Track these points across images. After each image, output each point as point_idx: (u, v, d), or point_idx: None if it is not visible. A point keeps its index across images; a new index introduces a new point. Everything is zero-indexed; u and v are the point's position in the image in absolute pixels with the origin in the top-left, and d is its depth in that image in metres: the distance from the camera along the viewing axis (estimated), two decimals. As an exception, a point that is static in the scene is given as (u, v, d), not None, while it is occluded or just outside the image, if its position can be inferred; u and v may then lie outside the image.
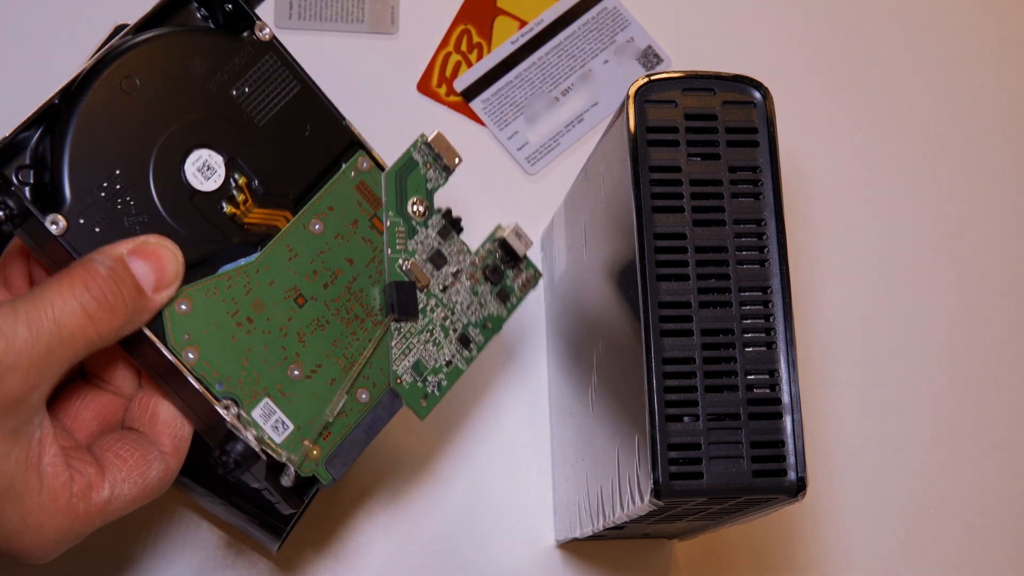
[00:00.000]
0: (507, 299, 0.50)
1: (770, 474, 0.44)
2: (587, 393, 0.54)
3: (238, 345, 0.44)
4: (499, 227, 0.51)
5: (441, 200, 0.65)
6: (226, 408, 0.43)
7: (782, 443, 0.44)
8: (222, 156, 0.45)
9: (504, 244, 0.51)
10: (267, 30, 0.47)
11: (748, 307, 0.45)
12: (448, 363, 0.48)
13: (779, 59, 0.70)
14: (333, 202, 0.47)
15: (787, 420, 0.44)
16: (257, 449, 0.43)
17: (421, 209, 0.49)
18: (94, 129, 0.43)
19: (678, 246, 0.45)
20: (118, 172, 0.44)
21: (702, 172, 0.46)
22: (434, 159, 0.50)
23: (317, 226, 0.47)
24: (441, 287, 0.49)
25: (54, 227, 0.42)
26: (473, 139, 0.66)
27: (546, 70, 0.67)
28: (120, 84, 0.44)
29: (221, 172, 0.45)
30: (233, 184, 0.46)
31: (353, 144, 0.48)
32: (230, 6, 0.47)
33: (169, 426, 0.44)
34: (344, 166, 0.47)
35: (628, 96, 0.46)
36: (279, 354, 0.45)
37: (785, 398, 0.44)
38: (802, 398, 0.44)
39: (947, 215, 0.69)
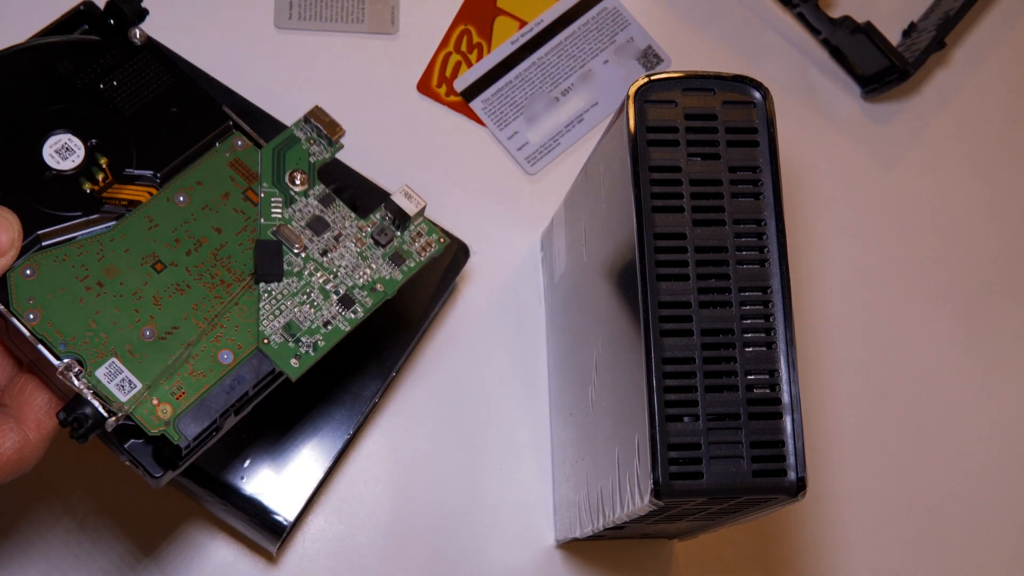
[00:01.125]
0: (403, 262, 0.49)
1: (770, 474, 0.44)
2: (587, 393, 0.54)
3: (86, 307, 0.46)
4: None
5: (441, 199, 0.65)
6: (68, 368, 0.44)
7: (782, 443, 0.44)
8: (83, 140, 0.48)
9: (392, 205, 0.49)
10: (139, 35, 0.51)
11: (748, 307, 0.45)
12: (327, 323, 0.47)
13: (778, 59, 0.70)
14: (202, 177, 0.49)
15: (787, 420, 0.44)
16: (100, 409, 0.44)
17: (301, 180, 0.49)
18: None
19: (678, 246, 0.45)
20: None
21: (702, 172, 0.46)
22: (317, 134, 0.50)
23: (181, 198, 0.48)
24: (321, 251, 0.48)
25: None
26: (473, 139, 0.66)
27: (546, 70, 0.67)
28: None
29: (81, 153, 0.48)
30: (94, 164, 0.48)
31: (230, 128, 0.50)
32: (112, 20, 0.51)
33: (36, 407, 0.45)
34: (217, 145, 0.49)
35: (628, 96, 0.46)
36: (131, 316, 0.46)
37: (785, 398, 0.44)
38: (802, 398, 0.45)
39: (947, 215, 0.69)
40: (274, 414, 0.58)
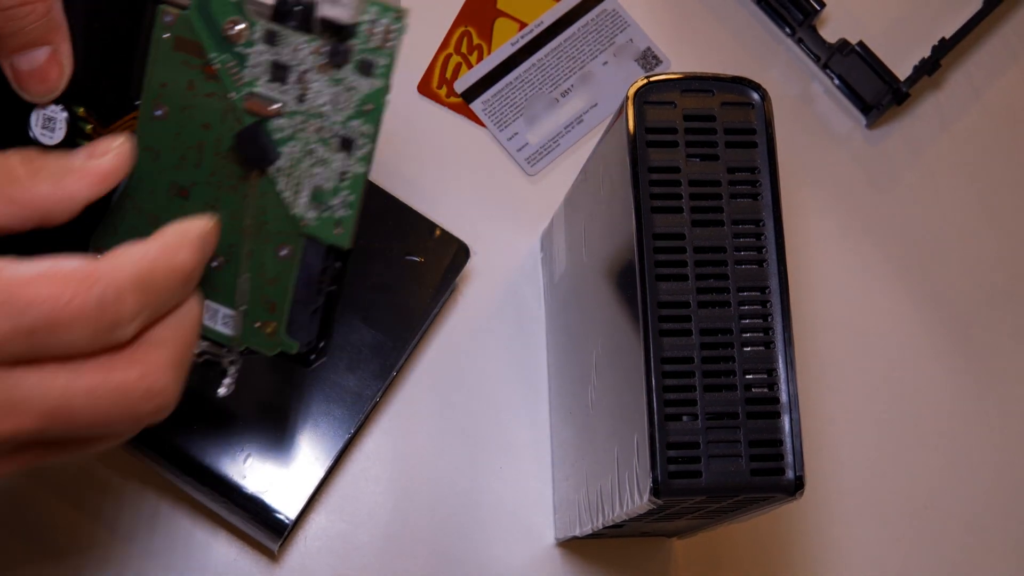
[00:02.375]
0: (372, 68, 0.42)
1: (768, 473, 0.44)
2: (587, 392, 0.54)
3: None
4: None
5: (441, 200, 0.65)
6: None
7: (780, 442, 0.44)
8: (55, 105, 0.45)
9: (326, 23, 0.42)
10: None
11: (747, 307, 0.45)
12: (343, 175, 0.43)
13: (778, 61, 0.70)
14: (162, 76, 0.44)
15: (785, 419, 0.44)
16: (228, 353, 0.43)
17: (239, 29, 0.43)
18: None
19: (677, 246, 0.46)
20: None
21: (701, 173, 0.46)
22: None
23: (159, 112, 0.44)
24: (298, 97, 0.43)
25: None
26: (473, 140, 0.67)
27: (546, 71, 0.68)
28: None
29: (61, 117, 0.45)
30: (77, 120, 0.45)
31: (153, 3, 0.45)
32: None
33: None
34: (153, 35, 0.44)
35: (627, 97, 0.47)
36: None
37: (783, 397, 0.45)
38: (800, 397, 0.45)
39: (945, 215, 0.69)
40: (275, 413, 0.58)
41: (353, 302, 0.59)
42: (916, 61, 0.67)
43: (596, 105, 0.68)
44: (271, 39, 0.43)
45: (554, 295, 0.62)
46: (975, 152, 0.70)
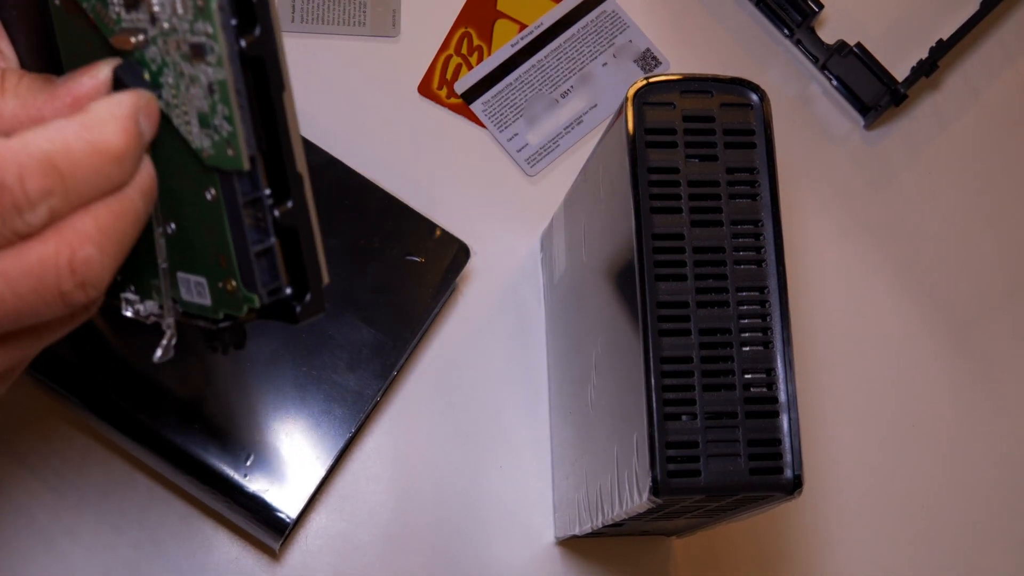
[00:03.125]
0: None
1: (767, 472, 0.44)
2: (586, 392, 0.54)
3: (139, 246, 0.40)
4: None
5: (442, 200, 0.65)
6: (177, 311, 0.40)
7: (778, 441, 0.44)
8: None
9: None
10: None
11: (745, 307, 0.45)
12: (210, 88, 0.38)
13: (777, 63, 0.70)
14: (69, 47, 0.41)
15: (783, 418, 0.44)
16: (209, 327, 0.39)
17: None
18: None
19: (676, 246, 0.46)
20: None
21: (700, 173, 0.46)
22: None
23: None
24: (150, 18, 0.38)
25: None
26: (474, 141, 0.67)
27: (546, 72, 0.68)
28: None
29: None
30: None
31: None
32: None
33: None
34: (49, 7, 0.40)
35: (627, 98, 0.47)
36: (156, 222, 0.40)
37: (782, 397, 0.45)
38: (798, 397, 0.45)
39: (944, 215, 0.69)
40: (276, 413, 0.58)
41: (353, 302, 0.60)
42: (914, 62, 0.67)
43: (596, 106, 0.68)
44: None
45: (554, 295, 0.63)
46: (973, 153, 0.71)
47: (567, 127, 0.67)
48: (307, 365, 0.58)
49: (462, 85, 0.67)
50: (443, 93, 0.67)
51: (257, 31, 0.37)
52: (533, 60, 0.68)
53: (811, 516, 0.64)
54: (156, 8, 0.37)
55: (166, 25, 0.38)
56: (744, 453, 0.44)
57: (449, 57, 0.68)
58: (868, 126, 0.70)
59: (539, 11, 0.69)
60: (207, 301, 0.39)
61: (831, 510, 0.64)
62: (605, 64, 0.68)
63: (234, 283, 0.39)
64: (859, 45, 0.67)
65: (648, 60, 0.68)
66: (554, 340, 0.63)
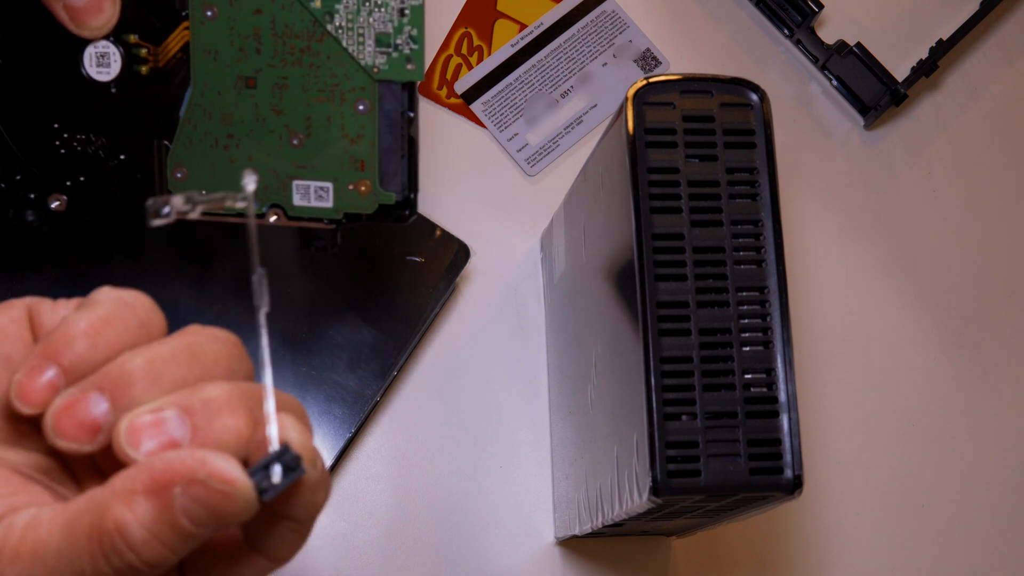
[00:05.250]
0: None
1: (767, 472, 0.44)
2: (586, 392, 0.54)
3: (239, 162, 0.46)
4: None
5: (442, 200, 0.65)
6: (276, 215, 0.46)
7: (779, 441, 0.44)
8: (105, 40, 0.47)
9: None
10: None
11: (745, 307, 0.46)
12: (403, 12, 0.45)
13: (777, 64, 0.70)
14: None
15: (784, 418, 0.45)
16: (324, 227, 0.46)
17: None
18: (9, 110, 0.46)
19: (676, 246, 0.46)
20: (56, 126, 0.47)
21: (700, 173, 0.46)
22: None
23: (209, 13, 0.46)
24: None
25: (56, 204, 0.47)
26: (474, 141, 0.67)
27: (546, 72, 0.68)
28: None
29: (114, 50, 0.47)
30: (129, 48, 0.47)
31: None
32: None
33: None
34: None
35: (627, 98, 0.47)
36: (274, 140, 0.46)
37: (782, 397, 0.45)
38: (799, 397, 0.45)
39: (943, 215, 0.69)
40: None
41: (353, 302, 0.60)
42: (914, 62, 0.67)
43: (596, 106, 0.68)
44: None
45: (554, 295, 0.63)
46: (973, 153, 0.71)
47: (567, 127, 0.67)
48: (307, 365, 0.58)
49: (462, 85, 0.67)
50: (443, 93, 0.67)
51: None
52: (533, 60, 0.68)
53: (811, 516, 0.64)
54: None
55: None
56: (744, 453, 0.44)
57: (449, 57, 0.68)
58: (868, 126, 0.70)
59: (539, 11, 0.69)
60: (328, 204, 0.46)
61: (831, 510, 0.64)
62: (605, 64, 0.68)
63: (368, 184, 0.45)
64: (859, 45, 0.67)
65: (648, 60, 0.68)
66: (554, 340, 0.63)
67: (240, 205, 0.34)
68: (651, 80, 0.47)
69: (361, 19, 0.45)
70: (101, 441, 0.32)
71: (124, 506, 0.30)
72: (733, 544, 0.63)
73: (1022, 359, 0.68)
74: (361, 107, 0.46)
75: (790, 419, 0.44)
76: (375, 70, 0.45)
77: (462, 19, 0.69)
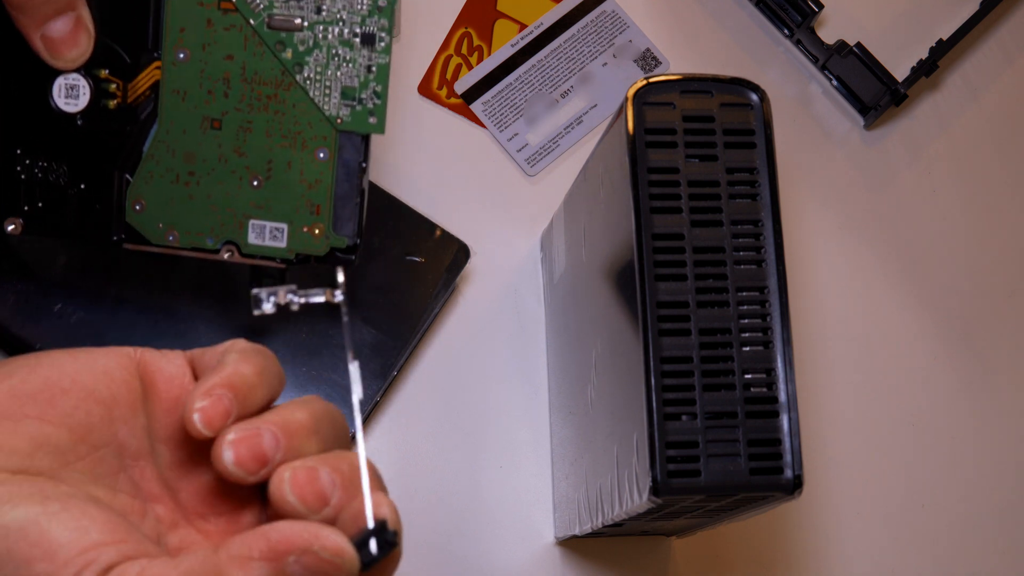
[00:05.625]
0: None
1: (767, 472, 0.44)
2: (586, 392, 0.54)
3: (198, 198, 0.48)
4: None
5: (442, 200, 0.65)
6: (229, 252, 0.48)
7: (779, 441, 0.44)
8: (75, 73, 0.48)
9: None
10: None
11: (745, 307, 0.46)
12: (370, 68, 0.48)
13: (777, 64, 0.70)
14: (179, 23, 0.48)
15: (784, 418, 0.45)
16: (275, 266, 0.48)
17: None
18: None
19: (676, 246, 0.46)
20: (17, 151, 0.48)
21: (700, 173, 0.46)
22: None
23: (181, 55, 0.48)
24: (315, 9, 0.48)
25: (11, 227, 0.49)
26: (474, 141, 0.67)
27: (546, 72, 0.68)
28: None
29: (83, 83, 0.48)
30: (100, 82, 0.48)
31: None
32: None
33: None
34: None
35: (627, 98, 0.47)
36: (234, 180, 0.48)
37: (782, 397, 0.45)
38: (799, 397, 0.45)
39: (943, 215, 0.69)
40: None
41: (353, 302, 0.60)
42: (914, 62, 0.67)
43: (596, 106, 0.68)
44: None
45: (554, 295, 0.63)
46: (973, 153, 0.71)
47: (567, 127, 0.67)
48: (307, 365, 0.58)
49: (462, 85, 0.67)
50: (443, 93, 0.67)
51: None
52: (533, 60, 0.68)
53: (811, 516, 0.64)
54: (327, 4, 0.47)
55: (339, 15, 0.47)
56: (744, 453, 0.44)
57: (449, 57, 0.68)
58: (868, 126, 0.70)
59: (539, 11, 0.69)
60: (282, 244, 0.48)
61: (831, 510, 0.64)
62: (605, 64, 0.68)
63: (322, 227, 0.48)
64: (859, 45, 0.67)
65: (648, 60, 0.68)
66: (554, 340, 0.63)
67: (338, 299, 0.38)
68: (651, 80, 0.47)
69: (329, 72, 0.48)
70: (263, 476, 0.36)
71: (240, 571, 0.33)
72: (733, 544, 0.63)
73: (1022, 359, 0.68)
74: (321, 155, 0.48)
75: (790, 419, 0.44)
76: (339, 120, 0.48)
77: (462, 19, 0.69)
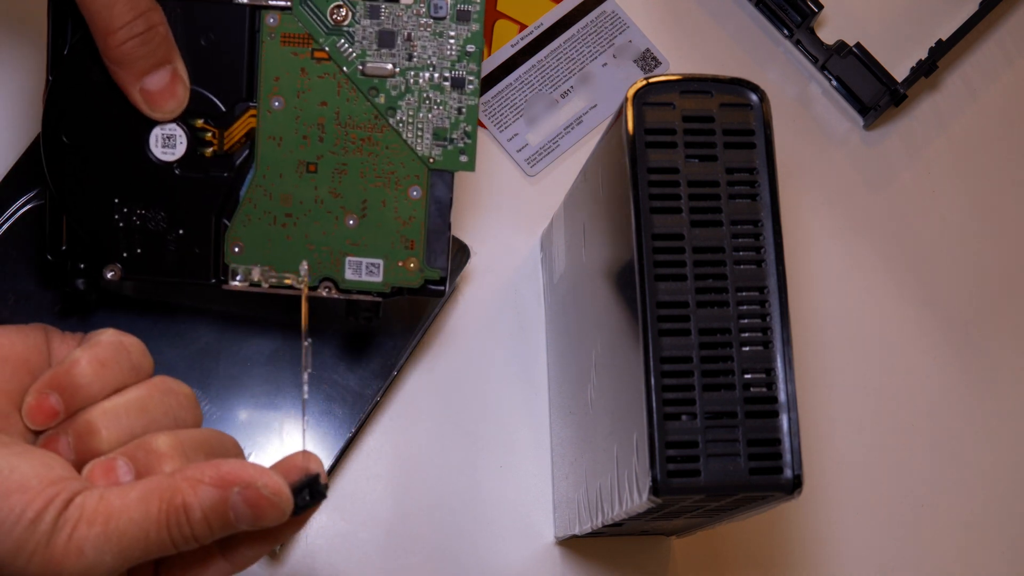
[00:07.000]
0: (469, 15, 0.50)
1: (766, 472, 0.44)
2: (586, 391, 0.54)
3: (296, 239, 0.50)
4: None
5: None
6: (327, 288, 0.50)
7: (778, 441, 0.44)
8: (171, 123, 0.50)
9: None
10: None
11: (745, 307, 0.46)
12: (460, 110, 0.50)
13: (777, 64, 0.70)
14: (274, 72, 0.50)
15: (783, 418, 0.45)
16: (371, 300, 0.51)
17: (343, 13, 0.50)
18: (72, 183, 0.50)
19: (676, 246, 0.46)
20: (116, 200, 0.50)
21: (699, 174, 0.46)
22: None
23: (276, 103, 0.50)
24: (407, 56, 0.50)
25: (111, 274, 0.50)
26: (473, 141, 0.67)
27: (546, 73, 0.68)
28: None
29: (179, 132, 0.50)
30: (196, 131, 0.50)
31: (254, 11, 0.50)
32: None
33: None
34: (259, 37, 0.50)
35: (626, 98, 0.47)
36: (329, 219, 0.50)
37: (781, 397, 0.45)
38: (798, 397, 0.45)
39: (944, 215, 0.69)
40: (276, 413, 0.58)
41: (353, 301, 0.60)
42: (913, 63, 0.67)
43: (596, 106, 0.68)
44: (374, 13, 0.50)
45: (554, 295, 0.63)
46: (972, 153, 0.71)
47: (567, 127, 0.67)
48: (307, 365, 0.58)
49: (462, 85, 0.67)
50: (443, 93, 0.67)
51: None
52: (533, 60, 0.68)
53: (811, 516, 0.64)
54: (418, 51, 0.50)
55: (430, 60, 0.50)
56: (744, 453, 0.44)
57: (449, 57, 0.68)
58: (868, 126, 0.70)
59: (539, 11, 0.69)
60: (378, 279, 0.51)
61: (831, 510, 0.64)
62: (605, 64, 0.68)
63: (416, 262, 0.51)
64: (859, 45, 0.67)
65: (648, 60, 0.69)
66: (554, 340, 0.63)
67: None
68: (651, 80, 0.47)
69: (421, 115, 0.50)
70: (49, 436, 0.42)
71: (191, 490, 0.39)
72: (733, 544, 0.63)
73: (1022, 359, 0.68)
74: (414, 193, 0.50)
75: (790, 419, 0.45)
76: (431, 160, 0.50)
77: (462, 19, 0.69)
